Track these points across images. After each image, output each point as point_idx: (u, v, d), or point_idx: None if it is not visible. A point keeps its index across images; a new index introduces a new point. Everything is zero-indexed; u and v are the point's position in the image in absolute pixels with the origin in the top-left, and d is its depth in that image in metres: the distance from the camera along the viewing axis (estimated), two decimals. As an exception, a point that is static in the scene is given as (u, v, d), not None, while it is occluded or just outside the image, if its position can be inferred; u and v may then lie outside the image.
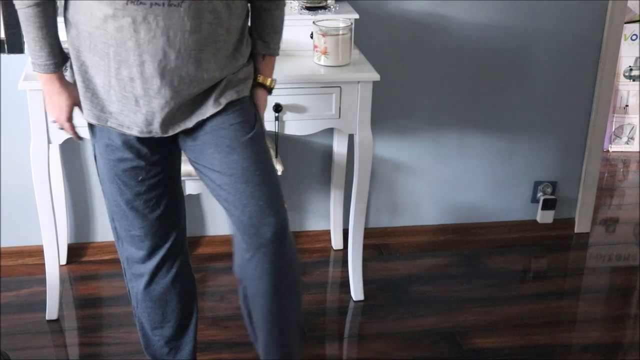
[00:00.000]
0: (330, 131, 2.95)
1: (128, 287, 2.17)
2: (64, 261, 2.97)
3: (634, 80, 4.33)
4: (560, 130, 3.24)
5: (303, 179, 3.10)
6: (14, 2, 1.83)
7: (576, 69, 3.15)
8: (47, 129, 2.41)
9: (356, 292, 2.85)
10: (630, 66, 4.31)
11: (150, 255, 2.06)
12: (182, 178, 2.66)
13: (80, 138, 2.07)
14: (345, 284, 2.90)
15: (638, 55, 4.28)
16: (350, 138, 2.95)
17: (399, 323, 2.74)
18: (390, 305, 2.84)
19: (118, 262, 3.01)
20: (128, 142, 1.89)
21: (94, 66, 1.81)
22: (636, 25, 4.22)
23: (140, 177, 1.93)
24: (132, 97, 1.80)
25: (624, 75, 4.32)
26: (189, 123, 1.87)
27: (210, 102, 1.86)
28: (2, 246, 2.98)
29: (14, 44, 2.70)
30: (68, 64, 1.90)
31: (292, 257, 2.02)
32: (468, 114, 3.14)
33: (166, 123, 1.84)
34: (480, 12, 2.97)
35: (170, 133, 1.87)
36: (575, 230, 3.41)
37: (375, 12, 2.87)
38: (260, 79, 1.99)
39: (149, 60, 1.74)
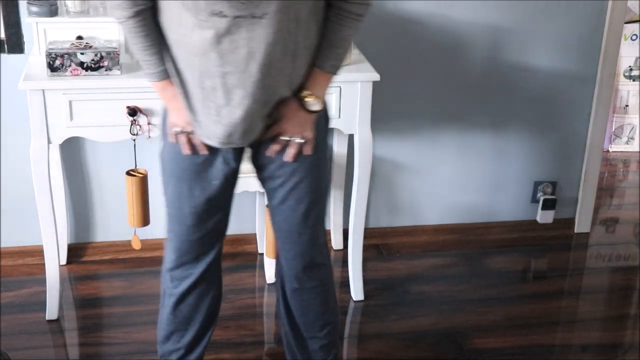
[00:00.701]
0: (330, 131, 2.95)
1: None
2: (64, 261, 2.97)
3: (634, 80, 4.33)
4: (560, 130, 3.24)
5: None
6: (115, 18, 1.82)
7: (576, 69, 3.15)
8: (47, 129, 2.42)
9: (356, 292, 2.85)
10: (630, 66, 4.31)
11: (197, 260, 2.07)
12: (182, 178, 2.66)
13: (196, 153, 1.92)
14: (345, 284, 2.90)
15: (638, 55, 4.28)
16: (350, 138, 2.95)
17: (399, 323, 2.74)
18: (390, 305, 2.84)
19: (118, 262, 3.03)
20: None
21: (183, 73, 1.82)
22: (636, 25, 4.22)
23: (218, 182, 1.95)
24: (213, 106, 1.79)
25: (624, 75, 4.32)
26: (268, 133, 1.87)
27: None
28: (2, 246, 2.98)
29: (14, 44, 2.70)
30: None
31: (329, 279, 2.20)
32: (468, 114, 3.14)
33: (247, 134, 1.83)
34: (480, 12, 2.97)
35: (251, 142, 1.88)
36: (575, 230, 3.41)
37: (375, 12, 2.87)
38: (302, 91, 1.86)
39: (232, 72, 1.73)
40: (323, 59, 1.84)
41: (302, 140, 1.89)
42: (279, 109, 1.85)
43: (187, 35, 1.73)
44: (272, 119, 1.87)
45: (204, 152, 1.90)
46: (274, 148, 1.90)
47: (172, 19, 1.75)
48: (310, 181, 1.95)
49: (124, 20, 1.77)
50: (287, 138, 1.88)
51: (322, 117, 1.96)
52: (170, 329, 2.15)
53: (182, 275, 2.07)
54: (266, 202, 2.09)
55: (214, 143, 1.86)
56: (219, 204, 1.99)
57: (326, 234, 2.13)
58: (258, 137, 1.88)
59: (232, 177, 1.97)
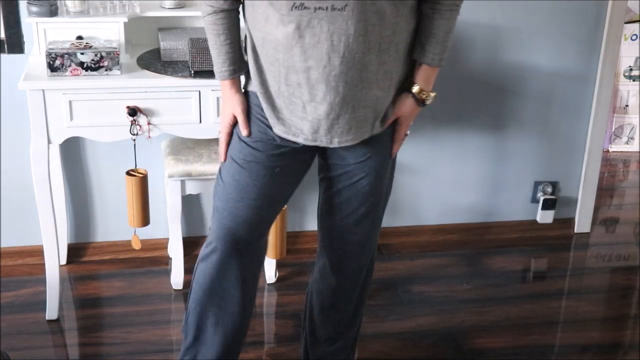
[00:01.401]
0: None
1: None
2: (64, 261, 2.97)
3: (634, 80, 4.33)
4: (560, 130, 3.24)
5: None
6: (201, 12, 1.88)
7: (576, 69, 3.15)
8: (47, 129, 2.42)
9: (356, 292, 2.85)
10: (630, 66, 4.31)
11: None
12: (182, 178, 2.67)
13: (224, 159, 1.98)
14: (345, 284, 2.90)
15: (638, 55, 4.28)
16: (350, 138, 2.95)
17: (399, 323, 2.74)
18: (390, 305, 2.84)
19: (118, 262, 3.04)
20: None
21: (267, 71, 1.82)
22: (636, 25, 4.22)
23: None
24: (299, 103, 1.80)
25: (624, 75, 4.32)
26: (351, 139, 1.87)
27: (371, 120, 1.87)
28: (2, 246, 2.98)
29: (14, 44, 2.70)
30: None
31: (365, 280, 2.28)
32: (468, 114, 3.14)
33: (332, 132, 1.83)
34: (480, 12, 2.97)
35: (336, 145, 1.86)
36: (575, 230, 3.41)
37: (375, 12, 2.87)
38: (413, 87, 1.89)
39: (314, 66, 1.74)
40: (428, 54, 1.86)
41: (408, 133, 2.00)
42: (399, 109, 1.91)
43: (272, 32, 1.74)
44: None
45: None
46: (397, 148, 1.99)
47: (259, 17, 1.76)
48: (380, 183, 2.01)
49: (204, 16, 1.84)
50: (407, 133, 1.98)
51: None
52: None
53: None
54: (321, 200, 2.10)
55: (300, 140, 1.86)
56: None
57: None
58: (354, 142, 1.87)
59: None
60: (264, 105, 1.87)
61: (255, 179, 1.92)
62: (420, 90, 1.90)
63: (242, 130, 1.92)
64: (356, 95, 1.79)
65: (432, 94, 1.92)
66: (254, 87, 1.89)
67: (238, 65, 1.91)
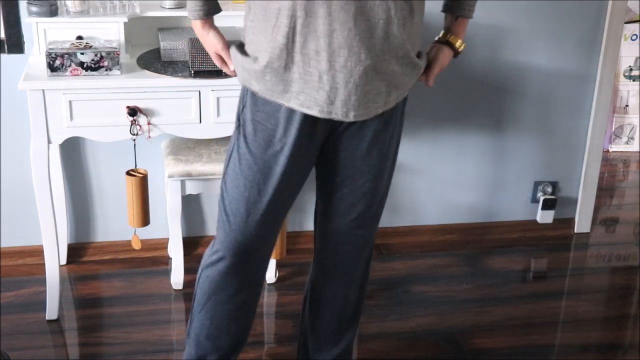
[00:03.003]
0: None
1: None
2: (64, 261, 2.97)
3: (634, 80, 4.33)
4: (560, 130, 3.24)
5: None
6: None
7: (576, 69, 3.15)
8: (47, 129, 2.42)
9: (356, 292, 2.85)
10: (630, 66, 4.31)
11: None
12: (182, 178, 2.67)
13: (233, 74, 1.96)
14: (345, 284, 2.90)
15: (638, 55, 4.28)
16: (350, 138, 2.95)
17: (399, 323, 2.74)
18: (390, 305, 2.84)
19: (118, 262, 3.03)
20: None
21: (278, 45, 1.76)
22: (636, 25, 4.22)
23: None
24: (316, 72, 1.75)
25: (624, 75, 4.32)
26: (367, 113, 1.83)
27: (384, 95, 1.84)
28: (2, 246, 2.98)
29: (14, 44, 2.70)
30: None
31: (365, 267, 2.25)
32: (468, 114, 3.14)
33: (348, 104, 1.79)
34: (480, 12, 2.96)
35: (351, 118, 1.82)
36: (575, 230, 3.41)
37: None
38: (450, 37, 2.01)
39: (339, 29, 1.70)
40: (466, 7, 1.99)
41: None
42: (432, 55, 2.00)
43: None
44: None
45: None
46: (430, 82, 2.04)
47: None
48: (380, 184, 2.02)
49: None
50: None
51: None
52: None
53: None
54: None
55: (314, 112, 1.80)
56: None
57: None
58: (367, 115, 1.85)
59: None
60: (273, 82, 1.80)
61: (263, 195, 1.91)
62: (460, 43, 2.02)
63: (229, 66, 1.95)
64: (376, 65, 1.76)
65: (465, 44, 2.05)
66: (254, 77, 1.83)
67: (211, 7, 1.91)
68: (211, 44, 1.94)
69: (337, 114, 1.80)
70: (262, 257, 2.06)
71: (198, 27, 1.94)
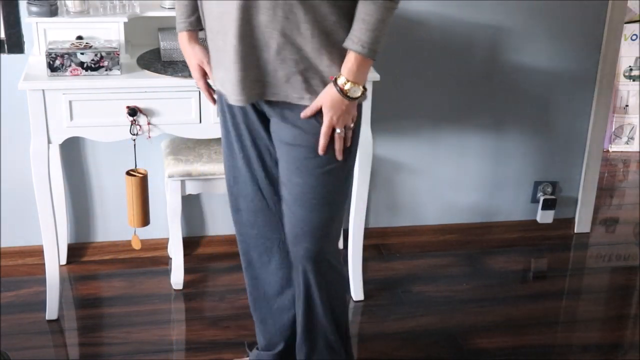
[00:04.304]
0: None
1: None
2: (64, 261, 2.97)
3: (634, 80, 4.33)
4: (560, 130, 3.24)
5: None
6: None
7: (576, 69, 3.15)
8: (47, 129, 2.42)
9: (356, 292, 2.85)
10: (630, 66, 4.31)
11: None
12: (182, 178, 2.67)
13: (214, 101, 2.09)
14: (345, 284, 2.90)
15: (638, 55, 4.28)
16: (350, 138, 2.95)
17: (399, 323, 2.74)
18: (390, 305, 2.84)
19: (118, 262, 3.04)
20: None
21: (205, 25, 1.94)
22: (636, 25, 4.22)
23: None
24: (216, 50, 1.87)
25: (624, 75, 4.32)
26: (243, 100, 1.86)
27: (260, 84, 1.85)
28: (2, 246, 2.98)
29: (14, 44, 2.70)
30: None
31: (330, 275, 2.09)
32: (468, 114, 3.14)
33: (237, 85, 1.83)
34: (480, 12, 2.97)
35: (232, 102, 1.87)
36: (575, 230, 3.41)
37: (375, 12, 2.87)
38: (337, 76, 1.80)
39: (226, 12, 1.77)
40: (353, 38, 1.76)
41: (339, 131, 1.84)
42: (319, 98, 1.82)
43: None
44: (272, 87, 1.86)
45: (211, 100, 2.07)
46: (322, 143, 1.85)
47: None
48: (312, 186, 1.94)
49: None
50: (337, 130, 1.84)
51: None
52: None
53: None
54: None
55: (219, 88, 1.94)
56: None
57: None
58: (253, 99, 1.87)
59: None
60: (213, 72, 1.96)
61: (253, 216, 2.11)
62: (344, 81, 1.78)
63: (210, 74, 2.02)
64: (261, 49, 1.80)
65: (359, 88, 1.80)
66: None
67: (194, 20, 1.99)
68: (197, 56, 2.02)
69: (231, 95, 1.93)
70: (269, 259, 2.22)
71: (184, 39, 2.03)
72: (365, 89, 1.83)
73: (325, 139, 1.85)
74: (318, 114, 1.84)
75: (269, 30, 1.76)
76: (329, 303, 2.10)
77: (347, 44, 1.77)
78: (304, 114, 1.84)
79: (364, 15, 1.74)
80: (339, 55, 1.79)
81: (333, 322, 2.13)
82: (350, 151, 1.92)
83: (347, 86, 1.78)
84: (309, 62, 1.80)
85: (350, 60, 1.77)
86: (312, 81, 1.82)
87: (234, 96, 1.86)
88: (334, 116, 1.82)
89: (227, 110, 2.01)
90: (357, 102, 1.85)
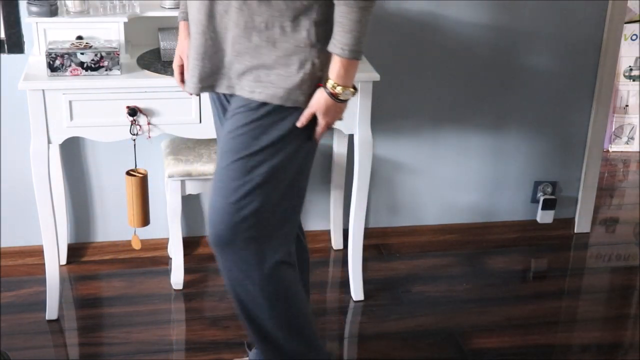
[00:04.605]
0: (330, 131, 2.95)
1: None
2: (64, 261, 2.97)
3: (634, 80, 4.33)
4: (560, 131, 3.24)
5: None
6: None
7: (576, 69, 3.15)
8: (47, 129, 2.42)
9: (356, 292, 2.85)
10: (630, 66, 4.31)
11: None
12: (182, 178, 2.67)
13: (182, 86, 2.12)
14: (345, 284, 2.90)
15: (638, 55, 4.28)
16: (350, 138, 2.95)
17: (399, 323, 2.74)
18: (390, 305, 2.84)
19: (118, 262, 3.03)
20: None
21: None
22: (636, 25, 4.22)
23: None
24: (191, 39, 1.94)
25: (624, 75, 4.32)
26: (204, 87, 1.92)
27: (234, 77, 1.87)
28: (2, 246, 2.98)
29: (14, 44, 2.70)
30: None
31: (232, 267, 1.98)
32: (468, 114, 3.14)
33: (199, 73, 1.90)
34: (480, 12, 2.97)
35: (198, 91, 1.92)
36: (575, 230, 3.41)
37: (376, 12, 2.85)
38: (326, 80, 1.83)
39: (198, 1, 1.83)
40: (335, 42, 1.78)
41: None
42: (312, 105, 1.84)
43: None
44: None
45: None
46: (316, 137, 1.92)
47: None
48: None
49: None
50: (330, 128, 1.92)
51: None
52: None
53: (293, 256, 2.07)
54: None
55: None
56: None
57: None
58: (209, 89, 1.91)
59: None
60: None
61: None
62: (333, 84, 1.81)
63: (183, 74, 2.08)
64: (214, 42, 1.85)
65: (349, 89, 1.83)
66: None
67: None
68: (181, 46, 2.08)
69: (190, 84, 1.98)
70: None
71: (180, 29, 2.10)
72: (355, 88, 1.86)
73: (319, 136, 1.93)
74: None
75: (224, 21, 1.81)
76: (246, 291, 2.01)
77: (330, 47, 1.79)
78: (300, 122, 1.86)
79: (340, 18, 1.76)
80: (293, 51, 1.81)
81: (264, 312, 2.03)
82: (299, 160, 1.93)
83: (337, 89, 1.82)
84: (262, 57, 1.82)
85: (335, 63, 1.80)
86: (265, 77, 1.83)
87: (191, 84, 1.92)
88: (329, 119, 1.88)
89: (215, 98, 2.06)
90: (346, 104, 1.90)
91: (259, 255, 1.95)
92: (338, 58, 1.79)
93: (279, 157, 1.87)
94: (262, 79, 1.83)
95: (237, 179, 1.88)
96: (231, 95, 1.93)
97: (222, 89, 1.90)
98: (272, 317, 2.02)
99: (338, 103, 1.85)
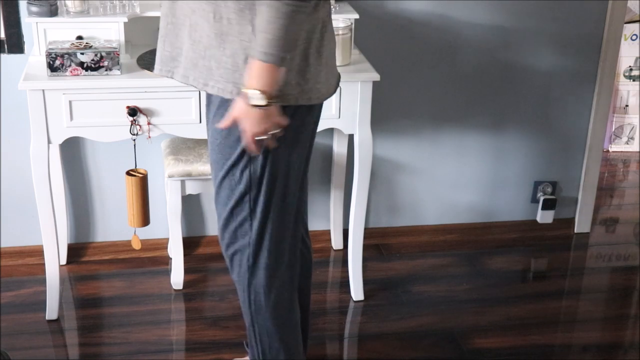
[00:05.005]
0: (330, 131, 2.95)
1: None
2: (64, 261, 2.97)
3: (634, 80, 4.33)
4: (560, 130, 3.24)
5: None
6: None
7: (576, 69, 3.15)
8: (47, 129, 2.42)
9: (356, 292, 2.85)
10: (630, 66, 4.31)
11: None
12: (182, 178, 2.67)
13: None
14: (345, 284, 2.90)
15: (638, 55, 4.28)
16: (350, 138, 2.95)
17: (399, 323, 2.74)
18: (390, 305, 2.84)
19: (118, 262, 3.04)
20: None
21: None
22: (636, 25, 4.22)
23: None
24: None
25: (624, 75, 4.32)
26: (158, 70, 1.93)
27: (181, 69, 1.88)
28: (2, 246, 2.98)
29: (14, 44, 2.70)
30: None
31: (238, 279, 2.03)
32: (468, 114, 3.14)
33: (160, 57, 1.91)
34: (480, 12, 2.97)
35: (157, 72, 1.93)
36: (575, 230, 3.41)
37: (375, 12, 2.87)
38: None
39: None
40: (254, 46, 1.69)
41: (264, 137, 1.76)
42: (231, 108, 1.76)
43: None
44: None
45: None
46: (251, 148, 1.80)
47: None
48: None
49: None
50: (261, 137, 1.76)
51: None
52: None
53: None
54: None
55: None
56: None
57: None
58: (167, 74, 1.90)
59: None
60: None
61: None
62: (246, 88, 1.70)
63: None
64: (174, 28, 1.85)
65: (256, 92, 1.68)
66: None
67: None
68: None
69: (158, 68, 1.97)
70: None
71: None
72: (273, 97, 1.71)
73: (251, 149, 1.79)
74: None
75: (184, 9, 1.81)
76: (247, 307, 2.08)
77: (250, 49, 1.72)
78: (223, 125, 1.79)
79: (259, 19, 1.66)
80: (241, 47, 1.73)
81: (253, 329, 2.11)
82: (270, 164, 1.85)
83: (249, 93, 1.69)
84: (213, 49, 1.77)
85: (250, 65, 1.70)
86: (215, 70, 1.78)
87: (155, 65, 1.92)
88: (247, 127, 1.74)
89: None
90: (275, 112, 1.74)
91: (247, 265, 1.99)
92: (254, 61, 1.68)
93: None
94: (213, 72, 1.78)
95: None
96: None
97: (178, 77, 1.88)
98: (251, 325, 2.10)
99: (254, 108, 1.70)
